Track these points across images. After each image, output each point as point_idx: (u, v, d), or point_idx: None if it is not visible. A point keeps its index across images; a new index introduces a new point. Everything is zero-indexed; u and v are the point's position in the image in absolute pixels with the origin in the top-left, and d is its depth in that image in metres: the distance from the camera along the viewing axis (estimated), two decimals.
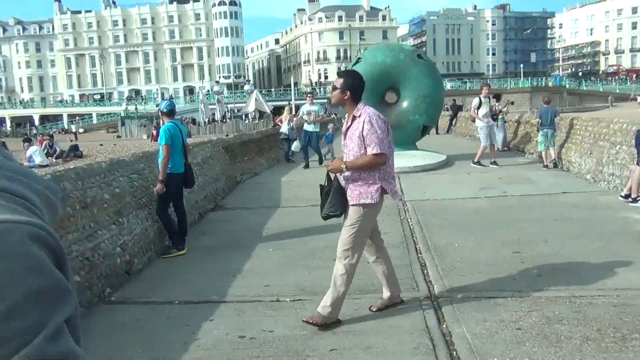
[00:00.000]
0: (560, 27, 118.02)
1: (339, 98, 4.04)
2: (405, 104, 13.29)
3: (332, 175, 4.13)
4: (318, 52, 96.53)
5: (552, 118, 11.93)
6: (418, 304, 4.31)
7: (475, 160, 12.20)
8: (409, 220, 7.36)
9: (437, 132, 26.44)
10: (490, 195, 8.86)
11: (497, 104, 15.34)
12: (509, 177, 10.63)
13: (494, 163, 12.13)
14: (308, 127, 13.77)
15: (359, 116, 3.97)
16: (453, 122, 26.72)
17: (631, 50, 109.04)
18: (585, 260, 5.12)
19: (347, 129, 4.07)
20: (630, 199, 7.50)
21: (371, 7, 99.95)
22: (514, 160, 13.52)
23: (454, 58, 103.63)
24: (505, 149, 15.69)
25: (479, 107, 12.42)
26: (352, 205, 3.96)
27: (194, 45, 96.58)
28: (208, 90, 74.54)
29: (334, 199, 4.01)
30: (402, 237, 6.46)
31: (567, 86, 78.38)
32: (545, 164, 11.89)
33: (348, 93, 3.99)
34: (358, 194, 3.94)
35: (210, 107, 50.53)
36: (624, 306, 3.96)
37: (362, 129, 3.90)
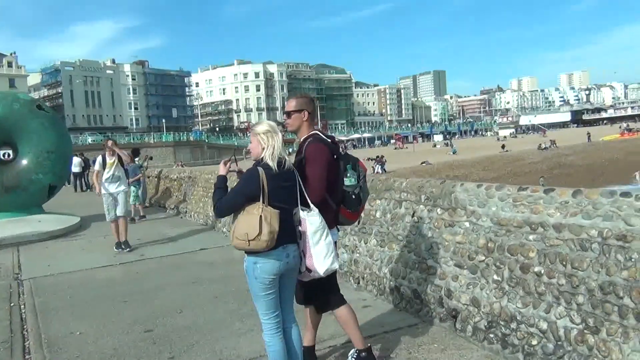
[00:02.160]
0: (197, 86, 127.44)
1: None
2: (25, 161, 11.43)
3: None
4: None
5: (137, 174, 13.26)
6: None
7: (123, 239, 8.93)
8: (22, 306, 5.94)
9: (79, 189, 24.53)
10: (127, 260, 8.05)
11: (137, 160, 14.81)
12: (149, 237, 10.03)
13: (121, 245, 8.96)
14: None
15: None
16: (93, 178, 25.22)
17: (257, 109, 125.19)
18: (221, 327, 4.79)
19: None
20: None
21: None
22: (156, 216, 13.08)
23: (95, 111, 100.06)
24: (147, 205, 15.15)
25: (104, 168, 9.09)
26: None
27: None
28: None
29: None
30: (9, 332, 5.06)
31: (207, 140, 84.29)
32: (140, 215, 12.69)
33: None
34: None
35: None
36: None
37: None
